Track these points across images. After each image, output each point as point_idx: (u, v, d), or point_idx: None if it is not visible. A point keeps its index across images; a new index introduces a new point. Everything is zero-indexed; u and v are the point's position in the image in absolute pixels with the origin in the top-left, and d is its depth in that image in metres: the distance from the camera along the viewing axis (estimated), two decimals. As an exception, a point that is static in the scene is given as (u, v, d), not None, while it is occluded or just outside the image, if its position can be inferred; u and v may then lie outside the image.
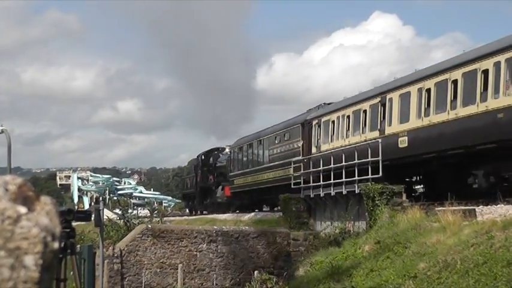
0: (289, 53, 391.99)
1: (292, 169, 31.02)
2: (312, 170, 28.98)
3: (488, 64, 19.38)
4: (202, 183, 47.93)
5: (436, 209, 19.49)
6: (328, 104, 32.41)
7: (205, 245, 26.38)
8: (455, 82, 20.90)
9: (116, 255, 25.16)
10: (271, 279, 23.77)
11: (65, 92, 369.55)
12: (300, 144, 32.23)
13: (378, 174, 23.45)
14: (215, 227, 28.18)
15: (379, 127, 25.29)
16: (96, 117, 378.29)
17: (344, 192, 25.71)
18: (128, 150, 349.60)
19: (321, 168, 27.81)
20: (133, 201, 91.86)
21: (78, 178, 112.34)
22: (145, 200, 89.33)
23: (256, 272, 25.31)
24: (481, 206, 18.24)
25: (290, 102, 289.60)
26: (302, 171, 30.13)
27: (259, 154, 37.96)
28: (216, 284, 26.24)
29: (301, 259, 25.38)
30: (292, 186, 29.95)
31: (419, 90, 22.87)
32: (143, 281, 25.47)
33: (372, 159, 23.96)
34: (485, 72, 19.45)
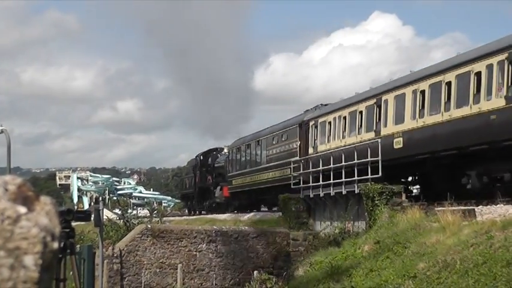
0: (288, 53, 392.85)
1: (291, 169, 31.19)
2: (311, 170, 28.98)
3: (481, 66, 19.67)
4: (201, 184, 48.05)
5: (436, 209, 19.51)
6: (325, 105, 32.70)
7: (204, 245, 26.39)
8: (449, 84, 21.18)
9: (115, 255, 25.16)
10: (270, 279, 23.78)
11: (65, 92, 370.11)
12: (298, 144, 32.48)
13: (378, 174, 23.54)
14: (215, 227, 28.19)
15: (374, 128, 25.56)
16: (96, 117, 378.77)
17: (344, 192, 25.73)
18: (127, 150, 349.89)
19: (320, 168, 27.83)
20: (132, 201, 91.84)
21: (78, 178, 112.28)
22: (145, 200, 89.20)
23: (255, 272, 25.32)
24: (480, 206, 18.27)
25: (290, 102, 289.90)
26: (299, 171, 30.30)
27: (257, 154, 38.15)
28: (216, 284, 26.24)
29: (301, 259, 25.39)
30: (292, 186, 30.07)
31: (414, 91, 23.14)
32: (143, 281, 25.48)
33: (372, 159, 24.02)
34: (478, 74, 19.74)
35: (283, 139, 34.50)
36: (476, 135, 19.44)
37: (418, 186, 26.41)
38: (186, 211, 55.09)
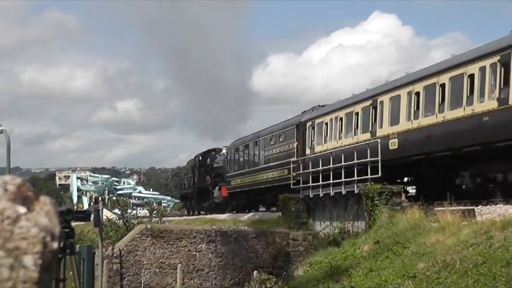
0: (288, 53, 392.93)
1: (288, 170, 31.45)
2: (310, 170, 29.02)
3: (474, 69, 19.98)
4: (200, 184, 48.21)
5: (435, 209, 19.54)
6: (322, 106, 32.96)
7: (204, 245, 26.39)
8: (443, 86, 21.48)
9: (115, 255, 25.16)
10: (270, 279, 23.79)
11: (64, 92, 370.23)
12: (295, 145, 32.73)
13: (377, 174, 23.61)
14: (214, 227, 28.20)
15: (370, 129, 25.82)
16: (96, 117, 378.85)
17: (343, 192, 25.76)
18: (127, 150, 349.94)
19: (320, 168, 27.87)
20: (132, 201, 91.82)
21: (78, 178, 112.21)
22: (145, 200, 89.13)
23: (255, 272, 25.33)
24: (480, 206, 18.30)
25: (289, 102, 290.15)
26: (296, 172, 30.53)
27: (256, 155, 38.38)
28: (215, 284, 26.24)
29: (301, 259, 25.39)
30: (292, 186, 30.16)
31: (409, 93, 23.44)
32: (142, 281, 25.48)
33: (372, 159, 24.08)
34: (471, 76, 20.05)
35: (280, 140, 34.74)
36: (469, 137, 19.74)
37: (414, 187, 26.57)
38: (185, 211, 55.19)
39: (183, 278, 25.81)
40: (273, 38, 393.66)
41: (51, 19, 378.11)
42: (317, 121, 30.76)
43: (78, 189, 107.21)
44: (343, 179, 25.82)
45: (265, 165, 36.09)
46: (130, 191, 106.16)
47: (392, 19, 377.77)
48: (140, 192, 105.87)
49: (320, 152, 29.08)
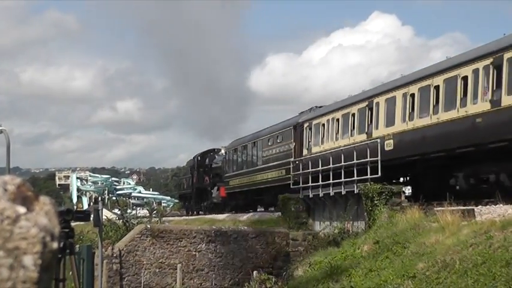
0: (288, 53, 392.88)
1: (286, 170, 31.78)
2: (310, 170, 29.05)
3: (467, 71, 20.30)
4: (198, 184, 48.39)
5: (435, 209, 19.58)
6: (320, 107, 33.22)
7: (204, 245, 26.39)
8: (437, 88, 21.78)
9: (114, 255, 25.16)
10: (270, 279, 23.79)
11: (64, 92, 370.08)
12: (292, 146, 32.91)
13: (377, 174, 23.67)
14: (214, 227, 28.20)
15: (366, 130, 26.08)
16: (96, 117, 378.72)
17: (343, 192, 25.80)
18: (127, 150, 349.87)
19: (320, 168, 27.92)
20: (132, 201, 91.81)
21: (77, 178, 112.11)
22: (144, 200, 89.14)
23: (255, 272, 25.33)
24: (479, 206, 18.32)
25: (289, 102, 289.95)
26: (295, 172, 30.66)
27: (254, 155, 38.53)
28: (215, 284, 26.24)
29: (300, 259, 25.38)
30: (292, 186, 30.24)
31: (404, 95, 23.71)
32: (142, 281, 25.48)
33: (371, 159, 24.14)
34: (465, 78, 20.35)
35: (278, 140, 34.99)
36: (463, 138, 20.03)
37: (409, 187, 26.72)
38: (184, 211, 55.30)
39: (182, 278, 25.81)
40: (272, 38, 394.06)
41: (51, 19, 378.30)
42: (314, 122, 31.04)
43: (78, 189, 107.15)
44: (342, 179, 25.87)
45: (263, 166, 36.32)
46: (130, 191, 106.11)
47: (392, 19, 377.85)
48: (140, 192, 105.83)
49: (317, 153, 29.29)
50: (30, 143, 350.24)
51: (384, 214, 22.39)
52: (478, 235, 15.96)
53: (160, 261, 25.78)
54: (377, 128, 25.23)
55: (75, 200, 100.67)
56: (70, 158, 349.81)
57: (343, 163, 26.04)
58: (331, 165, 26.88)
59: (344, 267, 19.86)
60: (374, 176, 23.81)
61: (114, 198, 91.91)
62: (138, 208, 67.55)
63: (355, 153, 25.34)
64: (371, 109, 25.91)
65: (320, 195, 27.59)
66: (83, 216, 11.56)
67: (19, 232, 1.71)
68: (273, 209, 35.67)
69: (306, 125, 31.87)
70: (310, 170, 29.05)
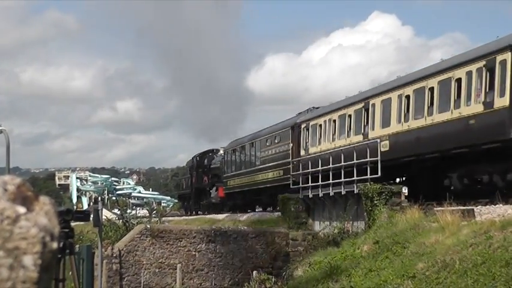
0: (288, 53, 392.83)
1: (284, 170, 31.98)
2: (310, 170, 29.09)
3: (461, 73, 20.56)
4: (197, 184, 48.57)
5: (435, 209, 19.60)
6: (317, 108, 33.37)
7: (204, 245, 26.39)
8: (431, 89, 22.04)
9: (114, 255, 25.16)
10: (269, 279, 23.80)
11: (64, 92, 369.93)
12: (290, 146, 32.98)
13: (377, 174, 23.71)
14: (214, 227, 28.20)
15: (362, 131, 26.28)
16: (95, 117, 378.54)
17: (343, 192, 25.81)
18: (127, 150, 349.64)
19: (320, 168, 27.95)
20: (132, 201, 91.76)
21: (77, 178, 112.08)
22: (144, 200, 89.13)
23: (255, 272, 25.34)
24: (479, 206, 18.34)
25: (289, 102, 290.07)
26: (294, 172, 30.79)
27: (252, 156, 38.65)
28: (215, 284, 26.24)
29: (300, 259, 25.38)
30: (292, 186, 30.31)
31: (400, 96, 23.94)
32: (142, 281, 25.48)
33: (371, 159, 24.19)
34: (459, 80, 20.61)
35: (276, 141, 35.14)
36: (457, 139, 20.30)
37: (405, 187, 26.86)
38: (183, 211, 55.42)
39: (182, 278, 25.81)
40: (272, 38, 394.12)
41: (51, 19, 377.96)
42: (311, 123, 31.24)
43: (78, 189, 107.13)
44: (342, 179, 25.89)
45: (262, 166, 36.51)
46: (129, 191, 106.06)
47: (392, 19, 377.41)
48: (140, 192, 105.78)
49: (314, 154, 29.40)
50: (30, 143, 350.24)
51: (383, 214, 22.40)
52: (477, 235, 15.97)
53: (160, 261, 25.78)
54: (373, 129, 25.46)
55: (75, 200, 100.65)
56: (70, 158, 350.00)
57: (343, 163, 26.06)
58: (330, 166, 26.91)
59: (344, 267, 19.86)
60: (374, 176, 23.84)
61: (113, 198, 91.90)
62: (138, 208, 67.55)
63: (354, 153, 25.39)
64: (367, 110, 26.11)
65: (320, 195, 27.60)
66: (83, 216, 11.56)
67: (19, 232, 1.71)
68: (271, 209, 35.79)
69: (303, 125, 32.06)
70: (310, 170, 29.08)
